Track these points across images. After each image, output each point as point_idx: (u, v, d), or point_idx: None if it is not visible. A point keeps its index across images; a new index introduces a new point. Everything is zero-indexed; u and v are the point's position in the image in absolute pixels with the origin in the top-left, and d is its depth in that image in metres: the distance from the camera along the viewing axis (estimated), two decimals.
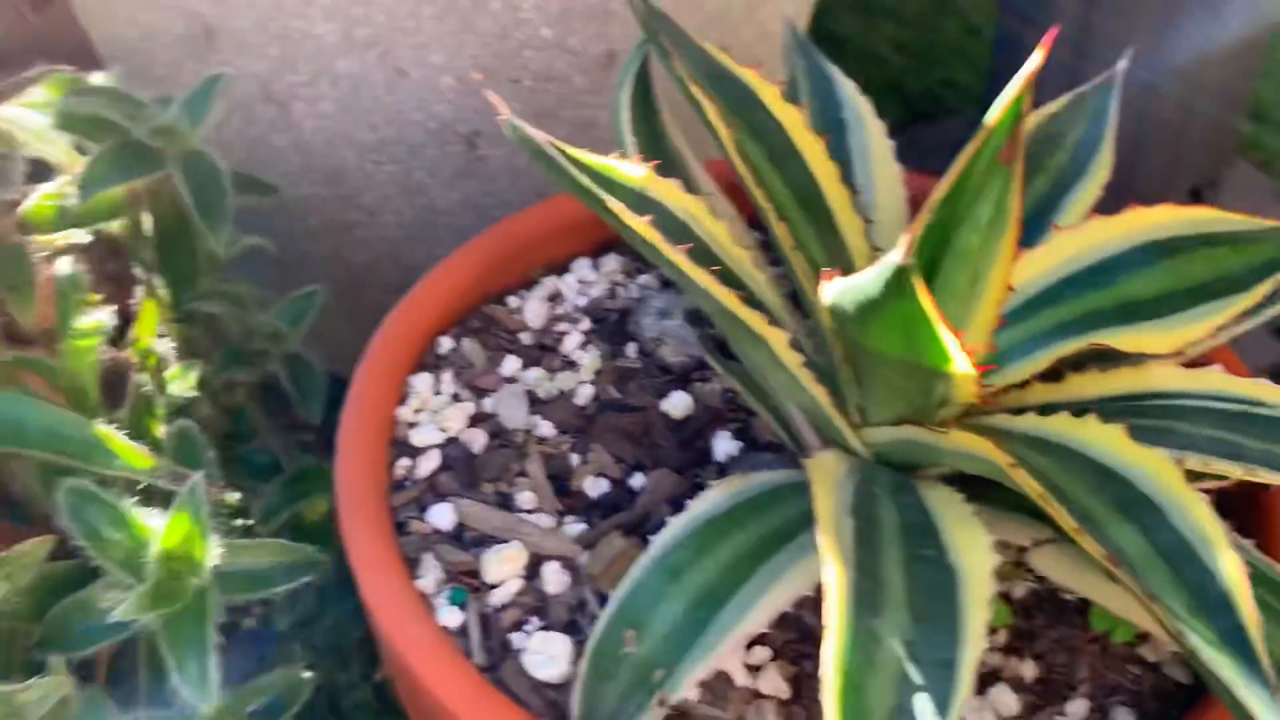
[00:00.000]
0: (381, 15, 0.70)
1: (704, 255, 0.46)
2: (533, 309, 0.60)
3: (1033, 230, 0.52)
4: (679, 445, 0.54)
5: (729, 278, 0.46)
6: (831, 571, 0.36)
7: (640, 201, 0.44)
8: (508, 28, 0.71)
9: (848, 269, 0.50)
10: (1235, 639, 0.35)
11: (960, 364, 0.38)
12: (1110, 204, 0.96)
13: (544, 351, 0.58)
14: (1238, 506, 0.51)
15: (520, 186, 0.79)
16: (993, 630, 0.47)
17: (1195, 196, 0.98)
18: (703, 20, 0.76)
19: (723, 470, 0.53)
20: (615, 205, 0.40)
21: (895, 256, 0.34)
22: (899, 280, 0.35)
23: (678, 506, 0.50)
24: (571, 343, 0.58)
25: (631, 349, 0.58)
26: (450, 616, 0.46)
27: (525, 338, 0.59)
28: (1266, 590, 0.42)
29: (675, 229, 0.45)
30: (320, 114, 0.75)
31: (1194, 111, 0.91)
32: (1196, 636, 0.35)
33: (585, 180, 0.40)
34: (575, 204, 0.62)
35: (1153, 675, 0.46)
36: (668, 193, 0.45)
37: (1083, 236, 0.48)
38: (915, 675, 0.35)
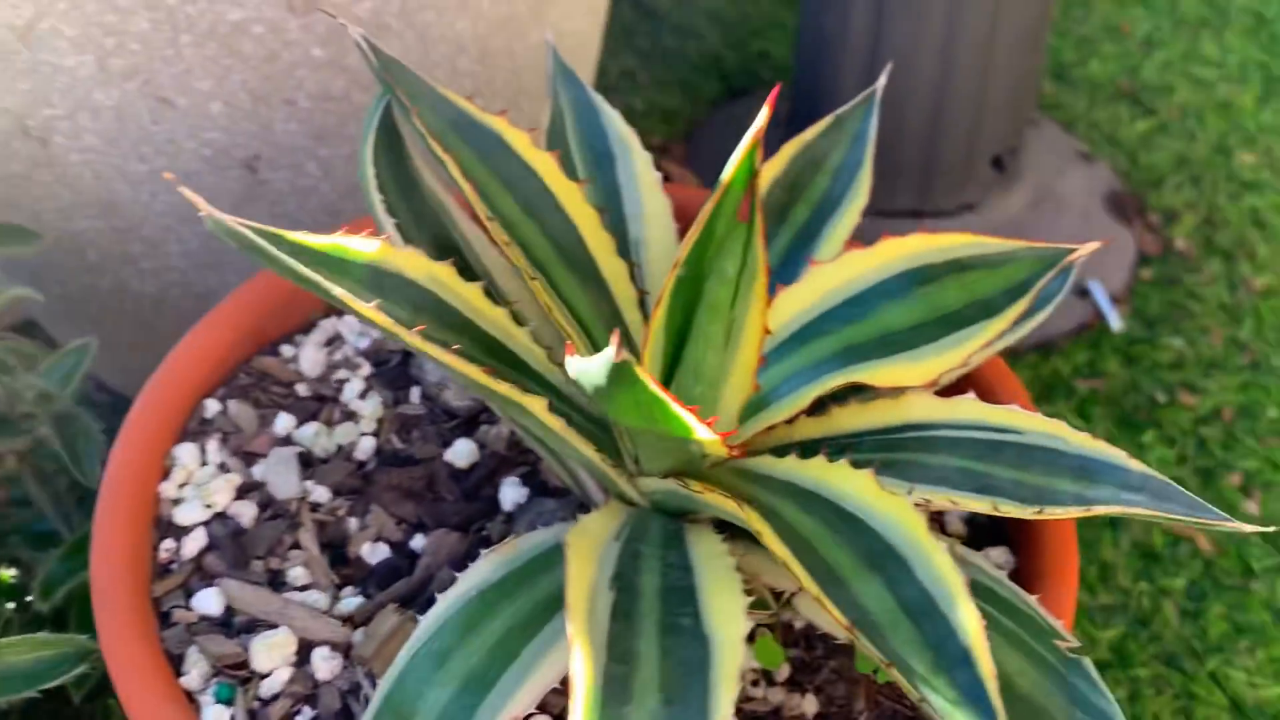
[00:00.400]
0: (137, 45, 0.66)
1: (455, 322, 0.44)
2: (309, 357, 0.58)
3: (795, 262, 0.52)
4: (464, 496, 0.53)
5: (484, 341, 0.45)
6: (579, 664, 0.36)
7: (377, 276, 0.42)
8: (275, 50, 0.68)
9: (614, 319, 0.49)
10: (974, 695, 0.36)
11: (702, 433, 0.38)
12: (916, 180, 0.97)
13: (322, 403, 0.56)
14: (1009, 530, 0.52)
15: (309, 206, 0.77)
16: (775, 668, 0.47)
17: (998, 164, 1.00)
18: (486, 27, 0.74)
19: (510, 519, 0.52)
20: (340, 294, 0.38)
21: (610, 353, 0.34)
22: (620, 374, 0.34)
23: (460, 567, 0.49)
24: (351, 391, 0.57)
25: (415, 394, 0.57)
26: (216, 715, 0.44)
27: (301, 389, 0.57)
28: (1005, 615, 0.43)
29: (420, 299, 0.43)
30: (85, 147, 0.71)
31: (991, 81, 0.92)
32: (938, 698, 0.36)
33: (306, 270, 0.38)
34: (369, 229, 0.60)
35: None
36: (408, 262, 0.43)
37: (840, 270, 0.48)
38: None
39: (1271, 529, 0.41)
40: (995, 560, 0.50)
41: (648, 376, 0.35)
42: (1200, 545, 0.84)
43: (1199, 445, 0.89)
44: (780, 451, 0.46)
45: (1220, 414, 0.91)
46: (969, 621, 0.37)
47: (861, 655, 0.47)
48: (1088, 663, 0.41)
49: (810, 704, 0.47)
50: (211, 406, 0.55)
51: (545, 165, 0.48)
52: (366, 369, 0.58)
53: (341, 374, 0.57)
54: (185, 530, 0.50)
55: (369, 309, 0.38)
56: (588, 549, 0.41)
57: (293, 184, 0.75)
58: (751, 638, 0.46)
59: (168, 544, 0.49)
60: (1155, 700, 0.76)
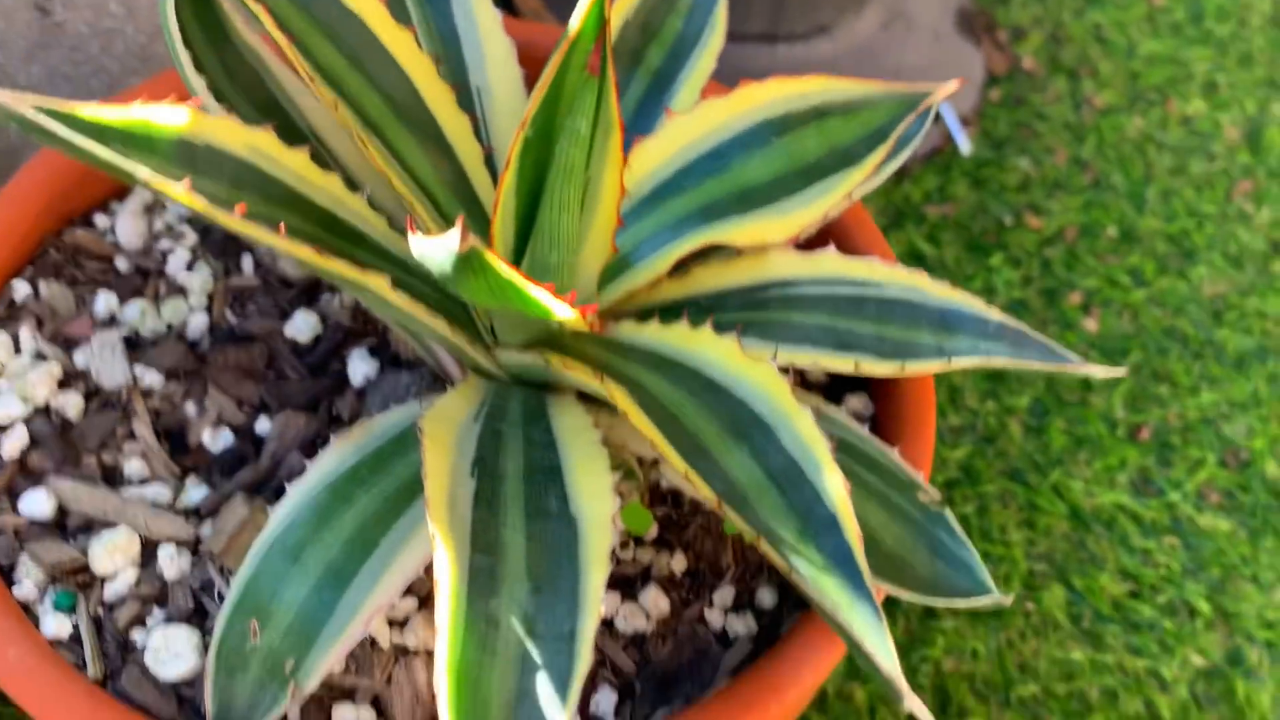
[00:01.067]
0: None
1: (281, 194, 0.41)
2: (127, 227, 0.53)
3: (651, 111, 0.49)
4: (310, 372, 0.50)
5: (316, 213, 0.42)
6: (443, 560, 0.35)
7: (188, 150, 0.38)
8: None
9: (459, 181, 0.46)
10: (841, 558, 0.36)
11: (561, 313, 0.36)
12: (769, 3, 0.93)
13: (145, 278, 0.52)
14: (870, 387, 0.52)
15: (115, 51, 0.69)
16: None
17: None
18: None
19: (361, 396, 0.49)
20: (148, 176, 0.34)
21: (454, 239, 0.31)
22: (468, 261, 0.32)
23: (310, 450, 0.47)
24: (177, 263, 0.52)
25: (247, 263, 0.53)
26: (58, 625, 0.42)
27: (121, 264, 0.52)
28: (868, 470, 0.43)
29: (239, 173, 0.39)
30: None
31: None
32: (806, 564, 0.36)
33: (105, 154, 0.34)
34: (177, 83, 0.55)
35: None
36: (223, 132, 0.39)
37: (696, 121, 0.46)
38: (535, 654, 0.34)
39: (1122, 373, 0.42)
40: (855, 408, 0.50)
41: (498, 261, 0.32)
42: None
43: (1043, 266, 0.91)
44: (642, 317, 0.45)
45: (1063, 234, 0.93)
46: (835, 487, 0.37)
47: (729, 521, 0.47)
48: (949, 514, 0.41)
49: (679, 561, 0.47)
50: (20, 289, 0.50)
51: (371, 10, 0.44)
52: (192, 237, 0.53)
53: (165, 244, 0.53)
54: (2, 429, 0.46)
55: (181, 191, 0.34)
56: (444, 435, 0.40)
57: (94, 26, 0.67)
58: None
59: None
60: (1001, 513, 0.80)
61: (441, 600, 0.34)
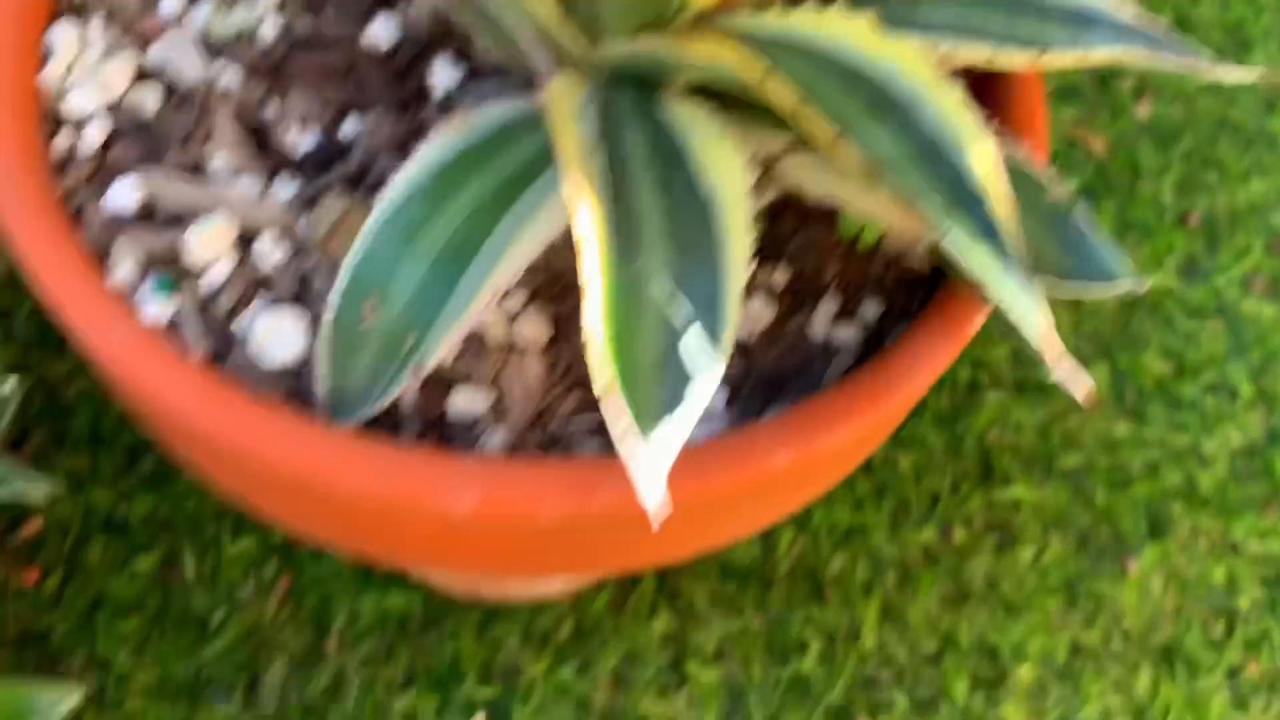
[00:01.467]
0: None
1: None
2: None
3: None
4: (392, 80, 0.47)
5: None
6: (586, 213, 0.33)
7: None
8: None
9: None
10: (988, 230, 0.35)
11: None
12: None
13: None
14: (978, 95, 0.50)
15: None
16: None
17: None
18: None
19: (445, 106, 0.47)
20: None
21: None
22: None
23: (401, 153, 0.45)
24: None
25: None
26: (159, 309, 0.40)
27: None
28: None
29: None
30: None
31: None
32: (959, 232, 0.35)
33: None
34: None
35: (896, 268, 0.47)
36: None
37: None
38: (682, 314, 0.33)
39: (1254, 76, 0.41)
40: None
41: None
42: (1093, 149, 0.86)
43: None
44: (760, 5, 0.42)
45: None
46: (984, 160, 0.35)
47: (848, 217, 0.45)
48: (1079, 213, 0.40)
49: (781, 274, 0.46)
50: None
51: None
52: None
53: None
54: (82, 121, 0.44)
55: None
56: (567, 105, 0.38)
57: None
58: None
59: (63, 138, 0.43)
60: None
61: (589, 249, 0.33)
